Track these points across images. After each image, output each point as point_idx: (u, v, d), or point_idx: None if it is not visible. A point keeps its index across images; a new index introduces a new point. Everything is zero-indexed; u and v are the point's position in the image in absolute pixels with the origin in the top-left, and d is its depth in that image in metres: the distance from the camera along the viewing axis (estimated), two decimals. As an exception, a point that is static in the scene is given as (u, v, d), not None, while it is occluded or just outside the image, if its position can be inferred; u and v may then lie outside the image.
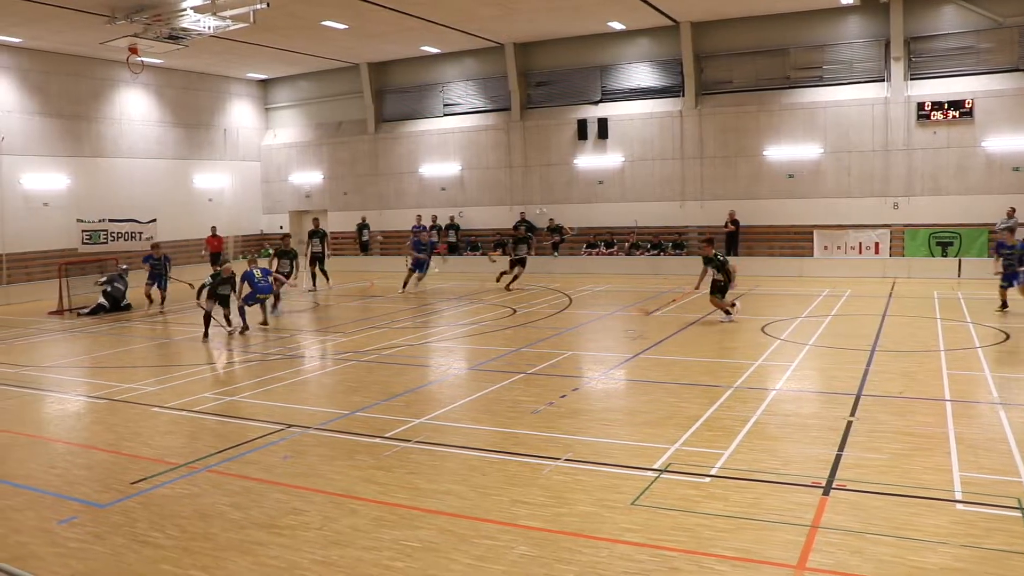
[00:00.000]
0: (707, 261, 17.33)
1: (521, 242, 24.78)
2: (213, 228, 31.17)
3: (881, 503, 7.06)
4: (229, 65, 34.05)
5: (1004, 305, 17.54)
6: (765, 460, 8.19)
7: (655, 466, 8.04)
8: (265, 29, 26.18)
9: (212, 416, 10.67)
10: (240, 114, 37.44)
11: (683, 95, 29.69)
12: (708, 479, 7.69)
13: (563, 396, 11.06)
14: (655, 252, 29.20)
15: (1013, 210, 25.06)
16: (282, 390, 12.11)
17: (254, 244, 36.84)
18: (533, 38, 31.27)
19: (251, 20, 22.02)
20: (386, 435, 9.38)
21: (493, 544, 6.39)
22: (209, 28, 22.62)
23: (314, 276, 25.70)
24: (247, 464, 8.58)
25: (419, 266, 24.86)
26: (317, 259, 25.89)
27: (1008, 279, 17.48)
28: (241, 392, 12.10)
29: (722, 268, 17.20)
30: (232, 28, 22.87)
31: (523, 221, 30.92)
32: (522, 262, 24.38)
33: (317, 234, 26.28)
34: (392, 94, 35.29)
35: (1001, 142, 25.89)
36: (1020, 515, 6.71)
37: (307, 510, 7.25)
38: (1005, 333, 15.20)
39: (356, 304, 22.75)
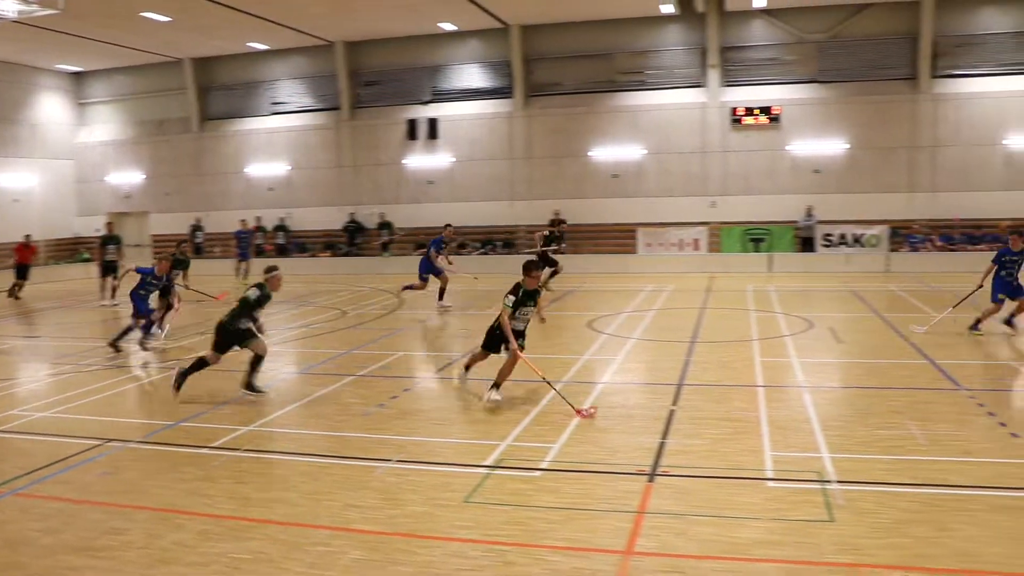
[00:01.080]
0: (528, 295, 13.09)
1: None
2: (27, 236, 27.72)
3: (702, 486, 7.45)
4: (36, 55, 31.95)
5: (976, 326, 14.59)
6: (593, 451, 8.47)
7: (487, 463, 8.17)
8: (76, 17, 24.72)
9: (19, 435, 9.88)
10: (50, 109, 35.19)
11: (513, 96, 30.18)
12: (539, 473, 7.87)
13: (394, 397, 11.05)
14: (484, 251, 29.56)
15: (811, 208, 27.02)
16: (100, 403, 11.42)
17: (67, 248, 34.85)
18: (363, 37, 31.01)
19: (60, 6, 20.49)
20: (213, 445, 9.04)
21: (326, 550, 6.32)
22: (11, 12, 20.84)
23: (114, 290, 22.42)
24: (60, 484, 8.01)
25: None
26: (111, 268, 22.94)
27: (1005, 290, 14.44)
28: (54, 407, 11.34)
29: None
30: (39, 14, 21.13)
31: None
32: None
33: (112, 240, 23.71)
34: (217, 91, 34.14)
35: (804, 146, 27.83)
36: (820, 487, 7.26)
37: (129, 529, 6.86)
38: (808, 321, 16.29)
39: (185, 309, 21.87)
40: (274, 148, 33.16)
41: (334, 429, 9.62)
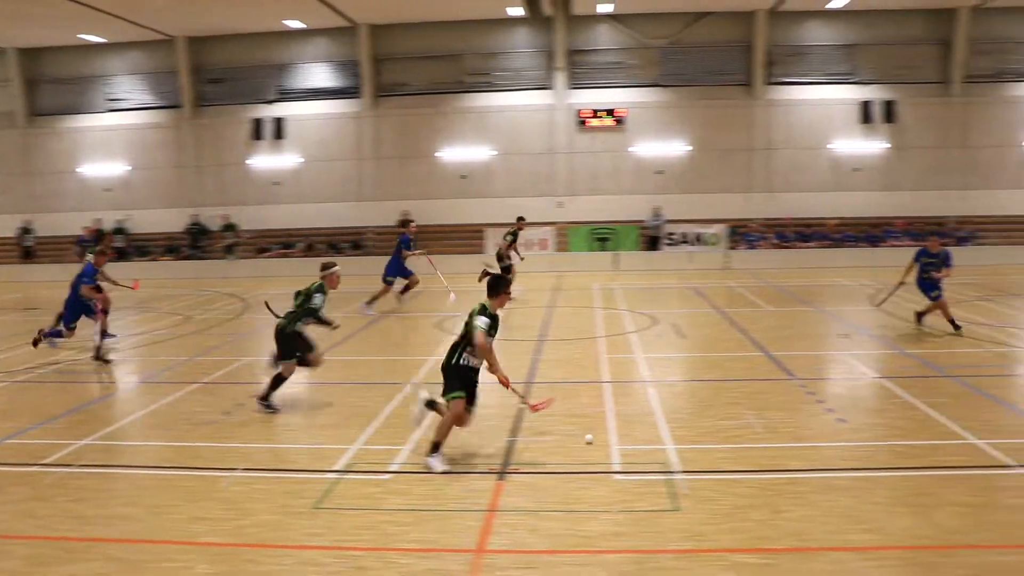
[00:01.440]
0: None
1: None
2: None
3: (551, 482, 7.61)
4: None
5: (920, 318, 15.14)
6: (446, 452, 8.49)
7: (337, 467, 8.08)
8: None
9: None
10: None
11: (361, 96, 29.89)
12: (390, 476, 7.85)
13: (241, 404, 10.75)
14: (332, 253, 29.13)
15: (659, 208, 27.94)
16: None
17: None
18: (206, 32, 29.99)
19: None
20: (44, 462, 8.51)
21: (171, 566, 6.10)
22: None
23: None
24: None
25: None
26: None
27: (928, 289, 14.69)
28: None
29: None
30: None
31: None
32: None
33: None
34: (48, 85, 32.12)
35: (647, 148, 28.76)
36: (665, 478, 7.55)
37: (-52, 558, 6.34)
38: (652, 318, 16.84)
39: (10, 319, 20.69)
40: (111, 147, 31.59)
41: (178, 439, 9.28)
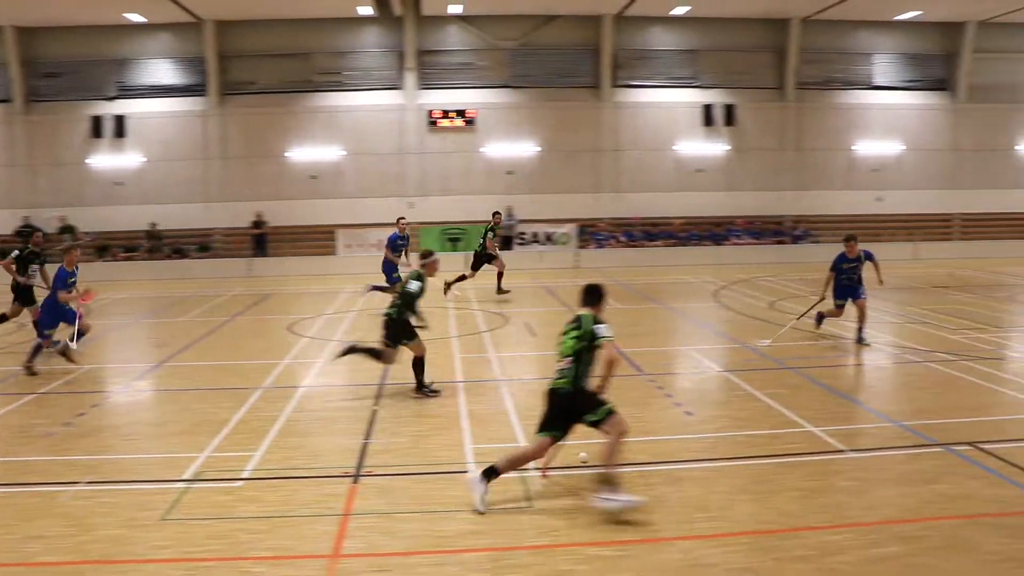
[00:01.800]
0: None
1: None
2: None
3: (406, 483, 7.58)
4: None
5: (820, 321, 14.67)
6: (297, 457, 8.34)
7: (185, 476, 7.80)
8: None
9: None
10: None
11: (207, 94, 28.90)
12: (241, 483, 7.64)
13: (81, 414, 10.23)
14: (178, 256, 28.12)
15: (512, 208, 28.20)
16: None
17: None
18: (39, 23, 28.30)
19: None
20: None
21: (3, 588, 5.77)
22: None
23: None
24: None
25: None
26: None
27: (845, 295, 14.12)
28: None
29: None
30: None
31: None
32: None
33: None
34: None
35: (498, 148, 29.01)
36: (519, 476, 7.58)
37: None
38: (504, 316, 17.00)
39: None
40: (-70, 144, 29.44)
41: (12, 454, 8.73)
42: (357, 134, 28.99)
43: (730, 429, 9.19)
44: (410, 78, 28.78)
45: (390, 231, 26.97)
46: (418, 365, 10.67)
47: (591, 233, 28.88)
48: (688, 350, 13.85)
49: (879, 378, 12.18)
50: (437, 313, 18.24)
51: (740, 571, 5.81)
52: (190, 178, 29.10)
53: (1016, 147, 32.06)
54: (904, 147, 31.24)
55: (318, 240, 28.51)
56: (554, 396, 7.19)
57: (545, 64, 29.52)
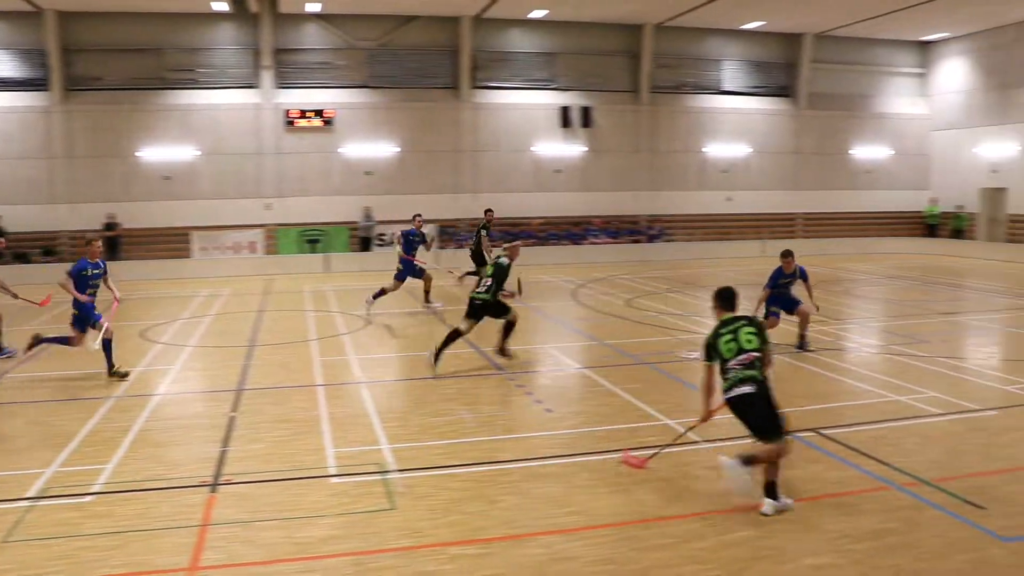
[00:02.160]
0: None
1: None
2: None
3: (267, 490, 7.42)
4: None
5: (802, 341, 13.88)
6: (151, 468, 8.06)
7: (29, 495, 7.38)
8: None
9: None
10: None
11: (49, 89, 27.35)
12: (91, 498, 7.31)
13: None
14: (21, 261, 26.58)
15: (369, 209, 28.04)
16: None
17: None
18: None
19: None
20: None
21: None
22: None
23: None
24: None
25: None
26: None
27: (780, 305, 13.83)
28: None
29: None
30: None
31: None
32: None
33: None
34: None
35: (357, 149, 28.75)
36: (381, 478, 7.61)
37: None
38: (365, 319, 16.87)
39: None
40: None
41: None
42: (212, 133, 28.11)
43: (590, 424, 9.40)
44: (267, 77, 28.12)
45: (250, 233, 26.36)
46: (509, 328, 12.41)
47: (451, 233, 28.95)
48: (548, 348, 14.08)
49: (730, 371, 12.66)
50: (295, 317, 17.95)
51: (602, 563, 5.96)
52: (32, 178, 27.46)
53: (850, 151, 34.01)
54: (751, 150, 32.63)
55: (172, 243, 27.53)
56: (755, 398, 6.85)
57: (404, 65, 29.39)
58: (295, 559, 6.06)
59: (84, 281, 11.84)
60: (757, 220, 32.35)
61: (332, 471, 7.88)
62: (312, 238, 28.20)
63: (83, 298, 11.76)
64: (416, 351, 13.97)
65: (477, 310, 12.29)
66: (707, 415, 7.28)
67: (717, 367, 7.07)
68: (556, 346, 14.18)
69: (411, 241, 18.05)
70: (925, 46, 34.56)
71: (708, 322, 14.32)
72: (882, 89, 34.59)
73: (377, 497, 7.18)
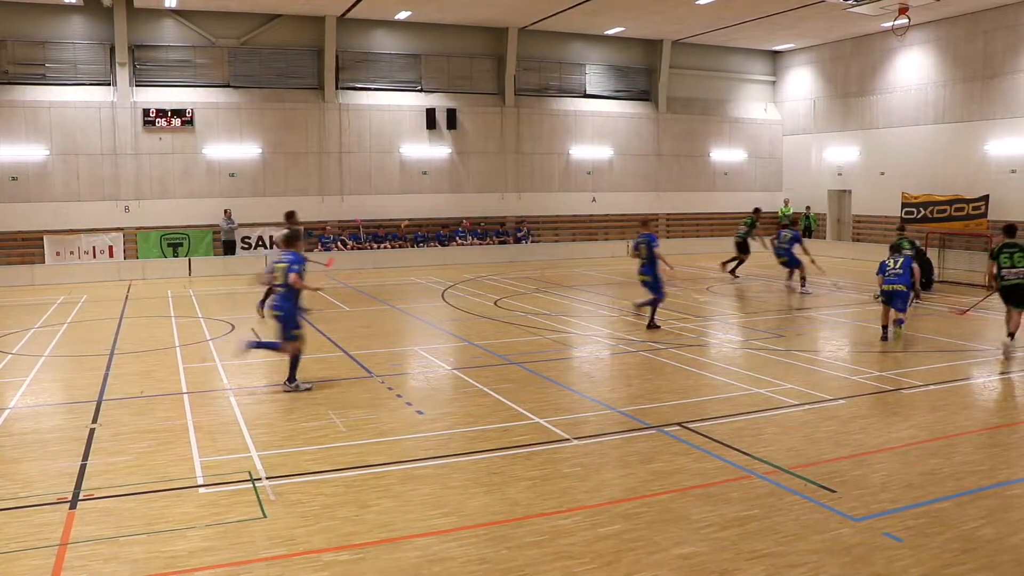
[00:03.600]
0: None
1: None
2: None
3: (131, 504, 7.20)
4: None
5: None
6: (3, 485, 7.69)
7: None
8: None
9: None
10: None
11: None
12: (-63, 518, 6.94)
13: None
14: None
15: (228, 211, 27.37)
16: None
17: None
18: None
19: None
20: None
21: None
22: None
23: None
24: None
25: None
26: None
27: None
28: None
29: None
30: None
31: None
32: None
33: None
34: None
35: (218, 150, 27.99)
36: (252, 486, 7.49)
37: None
38: (231, 324, 16.50)
39: None
40: None
41: None
42: (64, 132, 26.81)
43: (461, 425, 9.49)
44: (122, 74, 27.02)
45: (108, 237, 25.34)
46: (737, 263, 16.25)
47: (318, 236, 28.56)
48: (418, 350, 14.10)
49: (597, 368, 12.99)
50: (158, 323, 17.39)
51: (477, 563, 6.05)
52: None
53: (709, 154, 35.30)
54: (614, 152, 33.42)
55: (24, 248, 26.15)
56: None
57: (268, 64, 28.78)
58: (164, 574, 5.90)
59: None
60: (621, 221, 33.17)
61: (200, 481, 7.70)
62: (174, 242, 27.34)
63: None
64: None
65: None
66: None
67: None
68: (426, 348, 14.22)
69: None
70: (775, 55, 36.24)
71: (576, 321, 14.67)
72: (737, 95, 36.09)
73: (248, 506, 7.07)
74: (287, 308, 11.05)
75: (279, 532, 6.54)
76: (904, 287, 14.02)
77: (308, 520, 6.77)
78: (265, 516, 6.86)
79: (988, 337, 14.83)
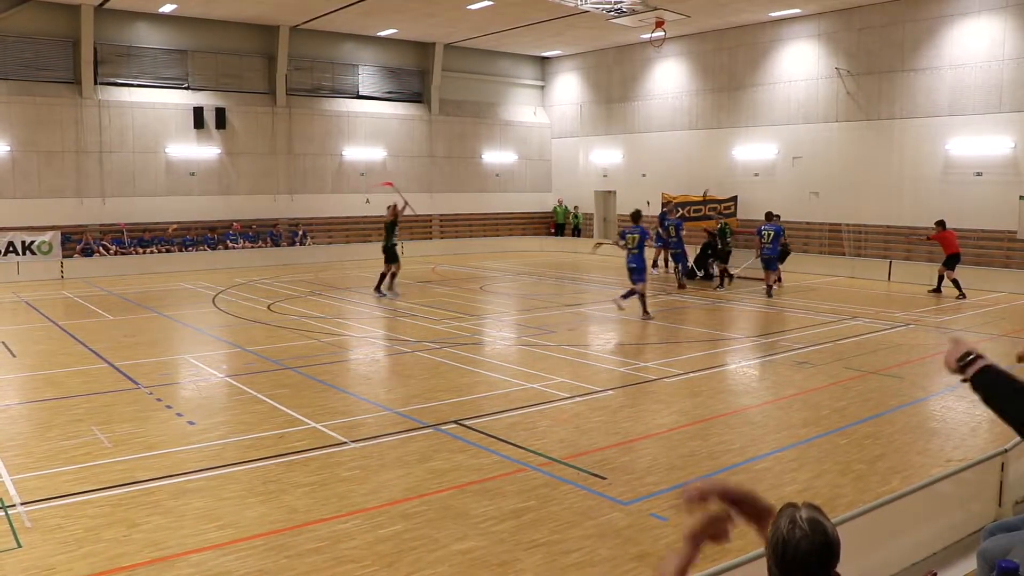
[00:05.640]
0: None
1: None
2: None
3: None
4: None
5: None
6: None
7: None
8: None
9: None
10: None
11: None
12: None
13: None
14: None
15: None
16: None
17: None
18: None
19: None
20: None
21: None
22: None
23: None
24: None
25: None
26: None
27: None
28: None
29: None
30: None
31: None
32: None
33: None
34: None
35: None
36: (4, 514, 6.98)
37: None
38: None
39: None
40: None
41: None
42: None
43: (235, 434, 9.26)
44: None
45: None
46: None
47: (76, 241, 26.78)
48: (187, 358, 13.59)
49: (373, 370, 13.02)
50: None
51: (257, 574, 5.94)
52: None
53: (481, 156, 36.08)
54: (387, 153, 33.44)
55: None
56: None
57: (16, 54, 26.56)
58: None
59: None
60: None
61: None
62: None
63: None
64: (39, 370, 12.88)
65: None
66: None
67: None
68: (196, 355, 13.72)
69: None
70: (544, 61, 37.56)
71: (351, 324, 14.59)
72: (508, 98, 37.10)
73: (0, 536, 6.58)
74: None
75: (36, 562, 6.13)
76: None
77: (70, 546, 6.39)
78: (20, 546, 6.40)
79: (739, 327, 16.09)
